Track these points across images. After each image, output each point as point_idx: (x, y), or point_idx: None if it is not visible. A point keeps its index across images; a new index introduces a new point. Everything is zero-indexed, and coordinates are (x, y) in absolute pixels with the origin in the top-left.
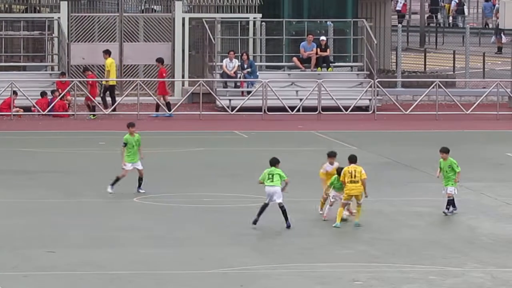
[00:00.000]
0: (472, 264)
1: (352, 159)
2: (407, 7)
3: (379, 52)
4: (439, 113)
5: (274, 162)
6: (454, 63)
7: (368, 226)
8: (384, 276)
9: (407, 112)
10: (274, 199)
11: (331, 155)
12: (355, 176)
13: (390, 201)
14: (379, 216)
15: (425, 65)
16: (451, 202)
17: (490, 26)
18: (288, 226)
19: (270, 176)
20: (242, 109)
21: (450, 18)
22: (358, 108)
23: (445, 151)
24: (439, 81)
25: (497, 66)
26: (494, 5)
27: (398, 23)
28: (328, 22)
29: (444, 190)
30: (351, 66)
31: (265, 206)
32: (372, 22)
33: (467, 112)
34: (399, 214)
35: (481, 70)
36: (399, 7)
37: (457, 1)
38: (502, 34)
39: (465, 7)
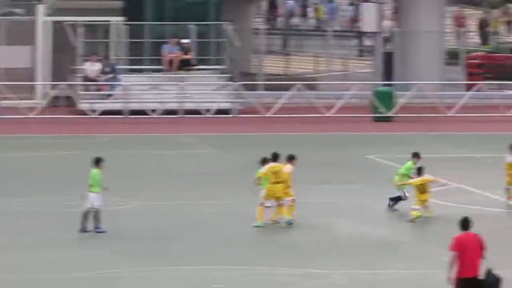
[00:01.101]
0: (334, 266)
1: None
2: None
3: (241, 55)
4: (300, 115)
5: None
6: (316, 66)
7: (228, 229)
8: (247, 279)
9: (269, 115)
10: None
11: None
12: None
13: (254, 203)
14: (243, 219)
15: (287, 68)
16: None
17: (339, 29)
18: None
19: None
20: (104, 112)
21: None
22: (220, 111)
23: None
24: (301, 84)
25: (359, 69)
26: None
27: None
28: (191, 25)
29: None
30: (214, 69)
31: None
32: (235, 25)
33: (329, 115)
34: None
35: (343, 73)
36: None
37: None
38: (364, 37)
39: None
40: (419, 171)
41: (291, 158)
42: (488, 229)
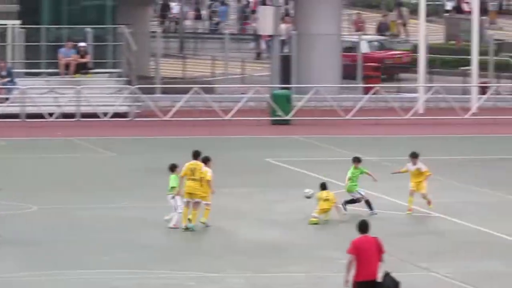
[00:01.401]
0: (230, 270)
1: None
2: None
3: (138, 58)
4: (198, 119)
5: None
6: (213, 69)
7: (126, 233)
8: (144, 283)
9: (166, 118)
10: None
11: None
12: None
13: (151, 208)
14: (141, 222)
15: (184, 71)
16: (369, 203)
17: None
18: None
19: None
20: (1, 116)
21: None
22: (117, 115)
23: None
24: (198, 87)
25: (256, 72)
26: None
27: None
28: (87, 29)
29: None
30: (110, 73)
31: None
32: (132, 28)
33: (226, 118)
34: (159, 221)
35: (240, 76)
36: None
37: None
38: (261, 40)
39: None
40: (323, 187)
41: (205, 160)
42: (387, 232)
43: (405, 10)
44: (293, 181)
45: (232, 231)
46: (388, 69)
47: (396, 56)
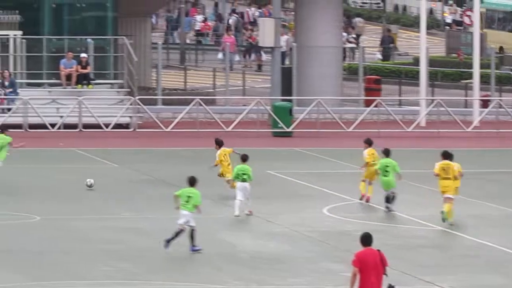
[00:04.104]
0: (234, 282)
1: None
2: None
3: (139, 69)
4: (199, 130)
5: (192, 182)
6: (214, 80)
7: (130, 243)
8: None
9: (168, 130)
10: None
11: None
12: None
13: (151, 219)
14: (140, 233)
15: (185, 82)
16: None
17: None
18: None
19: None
20: (3, 126)
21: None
22: (119, 126)
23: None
24: (200, 99)
25: (257, 83)
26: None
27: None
28: (88, 40)
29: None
30: (112, 84)
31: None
32: (133, 39)
33: (228, 130)
34: (162, 231)
35: (242, 87)
36: (198, 26)
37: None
38: (261, 52)
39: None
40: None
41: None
42: (388, 245)
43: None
44: (295, 193)
45: (234, 242)
46: None
47: None
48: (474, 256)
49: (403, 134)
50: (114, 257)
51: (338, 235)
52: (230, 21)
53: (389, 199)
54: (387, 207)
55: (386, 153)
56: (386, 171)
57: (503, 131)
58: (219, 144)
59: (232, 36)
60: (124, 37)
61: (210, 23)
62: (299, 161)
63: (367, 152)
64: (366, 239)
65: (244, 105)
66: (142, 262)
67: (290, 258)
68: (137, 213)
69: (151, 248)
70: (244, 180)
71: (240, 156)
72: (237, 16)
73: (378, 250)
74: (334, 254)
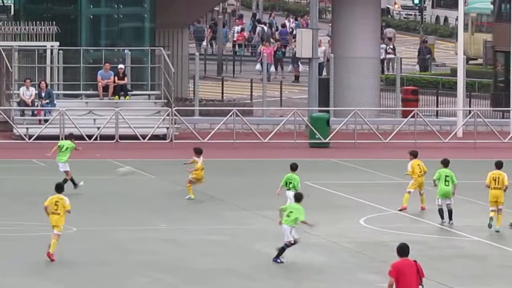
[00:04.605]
0: None
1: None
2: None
3: (176, 80)
4: (236, 141)
5: (298, 198)
6: (251, 91)
7: (167, 254)
8: None
9: (205, 141)
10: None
11: None
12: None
13: (187, 229)
14: (176, 244)
15: (222, 93)
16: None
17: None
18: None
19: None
20: (40, 137)
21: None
22: (156, 137)
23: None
24: (236, 110)
25: (294, 94)
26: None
27: (234, 53)
28: (125, 51)
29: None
30: (149, 95)
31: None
32: (170, 50)
33: (265, 141)
34: (196, 242)
35: (279, 98)
36: (235, 37)
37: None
38: (299, 63)
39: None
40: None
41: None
42: (425, 255)
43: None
44: (332, 204)
45: (270, 253)
46: None
47: None
48: (509, 266)
49: (440, 145)
50: (151, 268)
51: (375, 245)
52: (257, 31)
53: (444, 212)
54: (448, 221)
55: (445, 163)
56: (447, 180)
57: None
58: (198, 152)
59: (270, 47)
60: (161, 48)
61: (246, 34)
62: (336, 172)
63: (411, 164)
64: (403, 250)
65: (281, 116)
66: (179, 273)
67: (327, 269)
68: (174, 224)
69: (187, 259)
70: (290, 189)
71: (290, 165)
72: (262, 26)
73: (415, 261)
74: (370, 265)
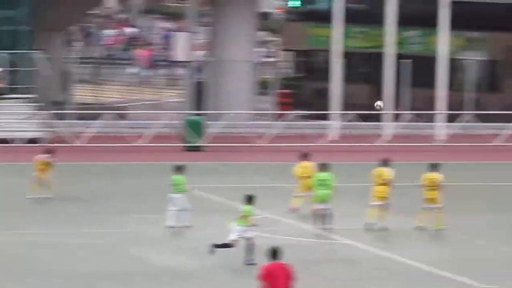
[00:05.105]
0: None
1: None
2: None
3: (53, 84)
4: (111, 145)
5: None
6: (127, 95)
7: (41, 258)
8: None
9: (79, 144)
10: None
11: None
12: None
13: (58, 234)
14: (48, 248)
15: (98, 96)
16: None
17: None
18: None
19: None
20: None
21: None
22: (31, 140)
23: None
24: (112, 113)
25: (170, 98)
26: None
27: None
28: (2, 54)
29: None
30: (24, 98)
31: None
32: (47, 54)
33: (139, 144)
34: (65, 246)
35: (155, 102)
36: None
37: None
38: (176, 67)
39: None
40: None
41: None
42: (298, 259)
43: None
44: (204, 207)
45: (144, 257)
46: None
47: None
48: (382, 269)
49: (314, 148)
50: (22, 272)
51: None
52: (130, 35)
53: (321, 217)
54: (323, 227)
55: (323, 167)
56: (322, 185)
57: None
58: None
59: (146, 50)
60: (38, 51)
61: (121, 37)
62: (210, 176)
63: (299, 166)
64: (274, 253)
65: (157, 120)
66: (52, 278)
67: (197, 273)
68: (45, 228)
69: (61, 262)
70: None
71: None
72: (137, 30)
73: (286, 264)
74: (242, 269)
